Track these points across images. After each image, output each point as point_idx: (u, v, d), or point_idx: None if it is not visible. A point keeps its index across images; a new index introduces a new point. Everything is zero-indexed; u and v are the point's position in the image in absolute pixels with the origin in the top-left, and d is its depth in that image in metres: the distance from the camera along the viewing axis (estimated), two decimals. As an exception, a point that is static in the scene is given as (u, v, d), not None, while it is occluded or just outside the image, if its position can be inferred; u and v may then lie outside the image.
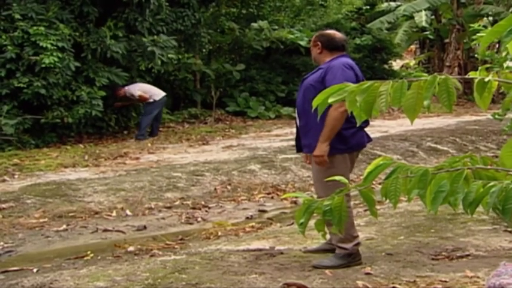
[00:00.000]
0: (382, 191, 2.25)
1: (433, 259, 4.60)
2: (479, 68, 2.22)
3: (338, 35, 4.75)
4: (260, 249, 5.08)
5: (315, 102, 2.43)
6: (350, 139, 4.59)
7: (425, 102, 2.09)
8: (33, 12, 11.91)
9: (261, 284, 4.11)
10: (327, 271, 4.36)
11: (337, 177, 2.55)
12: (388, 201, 2.30)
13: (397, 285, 4.02)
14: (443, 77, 2.08)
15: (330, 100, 2.42)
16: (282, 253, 4.92)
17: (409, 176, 2.21)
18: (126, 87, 13.22)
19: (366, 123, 4.69)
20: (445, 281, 4.07)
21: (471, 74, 2.19)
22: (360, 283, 4.07)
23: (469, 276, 4.14)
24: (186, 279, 4.25)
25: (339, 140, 4.52)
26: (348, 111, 4.28)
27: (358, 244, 4.54)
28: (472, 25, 6.15)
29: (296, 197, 8.38)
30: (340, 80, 4.39)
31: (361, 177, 8.60)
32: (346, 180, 2.55)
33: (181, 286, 4.12)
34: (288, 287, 4.06)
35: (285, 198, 8.35)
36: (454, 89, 2.06)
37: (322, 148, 4.48)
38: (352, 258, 4.49)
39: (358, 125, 4.55)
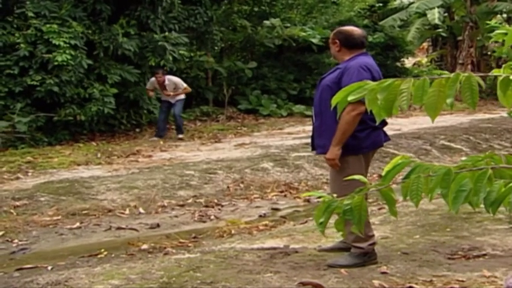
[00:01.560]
0: (402, 190, 2.22)
1: (449, 258, 4.56)
2: (504, 65, 2.18)
3: (357, 31, 4.67)
4: (274, 248, 5.05)
5: (334, 100, 2.40)
6: (364, 140, 4.54)
7: (449, 100, 2.06)
8: (46, 10, 11.95)
9: (276, 283, 4.09)
10: (342, 270, 4.33)
11: (356, 177, 2.52)
12: (402, 199, 2.27)
13: (414, 285, 3.98)
14: (466, 74, 2.05)
15: (350, 98, 2.40)
16: (296, 252, 4.89)
17: (431, 175, 2.17)
18: (167, 76, 12.95)
19: (384, 123, 4.65)
20: (462, 281, 4.02)
21: (494, 72, 2.16)
22: (376, 282, 4.04)
23: (487, 276, 4.10)
24: (201, 278, 4.23)
25: (353, 142, 4.47)
26: (360, 115, 4.32)
27: (373, 243, 4.50)
28: (488, 22, 6.07)
29: (310, 196, 8.36)
30: (355, 82, 4.34)
31: (374, 176, 8.61)
32: (366, 180, 2.51)
33: (196, 285, 4.10)
34: (304, 286, 4.04)
35: (298, 197, 8.33)
36: (477, 87, 2.03)
37: (334, 152, 4.45)
38: (367, 258, 4.45)
39: (377, 123, 4.56)
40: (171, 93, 12.91)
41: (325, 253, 4.76)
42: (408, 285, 3.97)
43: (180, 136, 12.89)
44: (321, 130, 4.64)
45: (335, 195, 2.45)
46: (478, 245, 4.85)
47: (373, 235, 4.55)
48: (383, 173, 2.42)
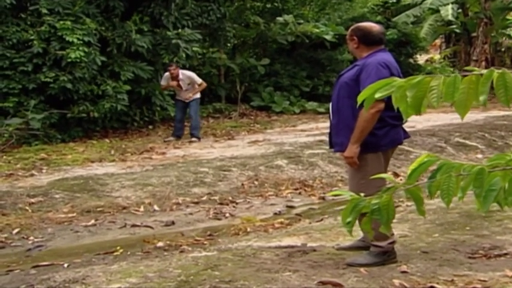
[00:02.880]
0: (432, 189, 2.17)
1: (470, 257, 4.49)
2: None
3: (376, 28, 4.61)
4: (292, 246, 5.00)
5: (360, 98, 2.35)
6: (383, 138, 4.48)
7: (482, 98, 2.01)
8: (60, 7, 11.97)
9: (295, 282, 4.04)
10: (361, 269, 4.28)
11: (384, 175, 2.47)
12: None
13: (435, 285, 3.92)
14: (500, 71, 2.00)
15: (377, 95, 2.34)
16: (314, 250, 4.84)
17: (462, 174, 2.12)
18: (180, 70, 12.39)
19: (403, 120, 4.60)
20: (484, 281, 3.96)
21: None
22: (396, 282, 3.98)
23: (509, 275, 4.03)
24: (219, 276, 4.19)
25: (371, 139, 4.42)
26: (379, 113, 4.26)
27: (393, 242, 4.45)
28: (509, 18, 5.99)
29: (325, 194, 8.31)
30: (373, 79, 4.30)
31: (388, 173, 8.53)
32: (392, 178, 2.46)
33: (214, 283, 4.06)
34: (323, 285, 3.99)
35: (313, 194, 8.28)
36: (512, 84, 1.98)
37: (352, 150, 4.39)
38: (387, 257, 4.40)
39: (397, 121, 4.50)
40: (190, 95, 12.31)
41: (343, 252, 4.71)
42: (429, 284, 3.91)
43: (194, 139, 12.22)
44: (339, 128, 4.59)
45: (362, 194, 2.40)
46: (498, 244, 4.78)
47: (392, 234, 4.50)
48: (408, 171, 2.38)
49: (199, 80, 12.54)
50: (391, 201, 2.31)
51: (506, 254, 4.53)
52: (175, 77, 12.27)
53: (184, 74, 12.42)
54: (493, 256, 4.49)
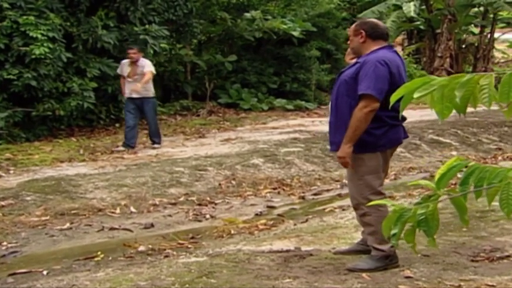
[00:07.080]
0: (489, 197, 2.01)
1: (472, 260, 4.37)
2: None
3: (381, 23, 4.50)
4: (286, 251, 4.81)
5: (393, 97, 2.17)
6: (381, 138, 4.34)
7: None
8: (22, 1, 11.54)
9: (297, 290, 3.86)
10: (364, 274, 4.11)
11: (422, 181, 2.29)
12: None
13: (443, 290, 3.78)
14: None
15: (416, 95, 2.17)
16: (311, 254, 4.65)
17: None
18: (141, 58, 10.82)
19: (403, 119, 4.47)
20: (492, 286, 3.84)
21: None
22: (402, 288, 3.83)
23: (517, 279, 3.92)
24: (217, 285, 3.99)
25: (369, 139, 4.28)
26: (373, 112, 4.12)
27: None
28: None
29: (304, 193, 8.15)
30: (371, 77, 4.18)
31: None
32: (433, 185, 2.28)
33: (212, 292, 3.86)
34: (328, 292, 3.82)
35: (292, 193, 8.12)
36: None
37: (344, 150, 4.24)
38: (389, 261, 4.24)
39: (396, 119, 4.35)
40: (138, 85, 10.39)
41: (342, 256, 4.55)
42: (438, 290, 3.77)
43: (156, 146, 10.77)
44: (336, 126, 4.44)
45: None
46: (499, 245, 4.67)
47: (393, 237, 4.34)
48: (436, 176, 2.23)
49: (149, 68, 10.71)
50: (436, 210, 2.14)
51: (508, 256, 4.42)
52: (135, 62, 10.63)
53: (145, 61, 10.89)
54: (495, 259, 4.37)
